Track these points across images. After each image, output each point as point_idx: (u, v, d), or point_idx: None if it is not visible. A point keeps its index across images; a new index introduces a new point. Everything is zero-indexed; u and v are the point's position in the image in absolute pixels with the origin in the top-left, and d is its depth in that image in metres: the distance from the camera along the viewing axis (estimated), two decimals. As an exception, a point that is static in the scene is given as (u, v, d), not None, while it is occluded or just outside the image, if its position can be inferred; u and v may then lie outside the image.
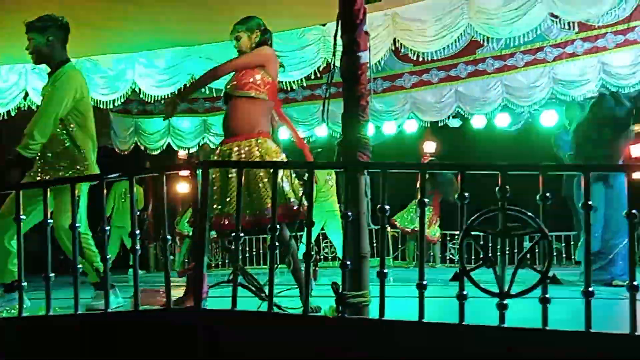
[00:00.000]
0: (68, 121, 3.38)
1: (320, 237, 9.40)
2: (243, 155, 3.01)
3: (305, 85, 6.32)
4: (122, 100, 6.64)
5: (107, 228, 2.44)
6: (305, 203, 2.92)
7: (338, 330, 2.16)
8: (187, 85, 3.32)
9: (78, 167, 3.37)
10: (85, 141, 3.42)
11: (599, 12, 4.98)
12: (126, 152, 8.34)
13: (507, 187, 2.07)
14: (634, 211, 2.01)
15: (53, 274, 2.34)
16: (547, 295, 2.03)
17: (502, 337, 2.06)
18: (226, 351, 2.16)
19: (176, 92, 3.16)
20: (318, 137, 8.62)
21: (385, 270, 2.16)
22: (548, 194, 2.10)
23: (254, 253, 9.58)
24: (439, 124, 7.97)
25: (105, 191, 2.47)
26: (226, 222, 2.92)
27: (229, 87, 3.18)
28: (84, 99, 3.47)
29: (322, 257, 9.75)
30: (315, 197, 5.85)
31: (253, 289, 2.31)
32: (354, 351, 2.13)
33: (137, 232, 2.36)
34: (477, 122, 8.42)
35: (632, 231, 2.04)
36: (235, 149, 3.05)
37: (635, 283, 1.99)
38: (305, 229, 2.25)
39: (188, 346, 2.16)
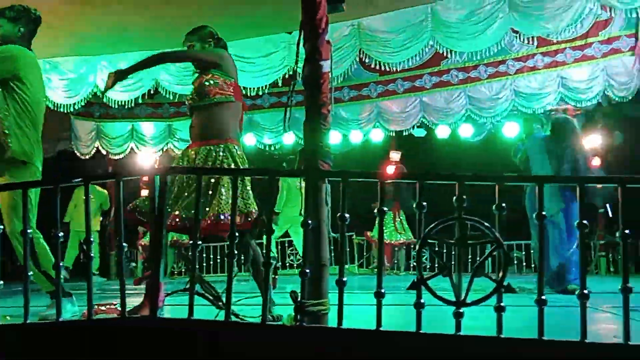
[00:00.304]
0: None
1: (286, 245, 9.37)
2: (209, 161, 2.96)
3: (270, 92, 6.32)
4: (83, 104, 6.51)
5: (61, 234, 2.37)
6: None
7: (296, 339, 2.15)
8: (132, 65, 3.23)
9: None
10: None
11: (556, 28, 5.16)
12: (88, 156, 8.16)
13: (465, 197, 2.10)
14: (584, 222, 2.07)
15: (2, 282, 2.26)
16: (502, 304, 2.06)
17: (458, 344, 2.08)
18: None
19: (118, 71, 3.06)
20: (285, 145, 8.62)
21: (345, 279, 2.16)
22: (504, 204, 2.14)
23: (212, 262, 9.44)
24: (404, 133, 8.07)
25: (58, 196, 2.40)
26: (175, 223, 2.87)
27: (190, 100, 3.13)
28: (29, 85, 3.27)
29: (287, 264, 9.72)
30: (284, 204, 5.86)
31: (210, 297, 2.27)
32: (312, 359, 2.12)
33: (92, 239, 2.30)
34: (442, 132, 8.57)
35: (584, 241, 2.10)
36: (204, 153, 3.00)
37: (586, 291, 2.04)
38: (265, 236, 2.24)
39: (142, 355, 2.11)
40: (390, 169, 8.75)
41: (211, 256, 9.33)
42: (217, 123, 3.06)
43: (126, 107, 6.76)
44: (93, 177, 2.52)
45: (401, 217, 8.99)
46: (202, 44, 3.19)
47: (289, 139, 8.29)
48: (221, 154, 2.99)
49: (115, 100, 6.40)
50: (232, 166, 2.95)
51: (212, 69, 3.09)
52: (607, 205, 8.37)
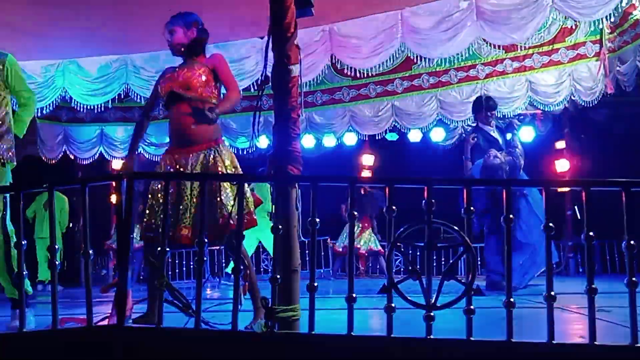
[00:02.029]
0: None
1: (260, 250, 9.30)
2: (205, 164, 2.90)
3: (244, 96, 6.28)
4: (52, 108, 6.37)
5: (25, 242, 2.30)
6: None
7: (267, 345, 2.13)
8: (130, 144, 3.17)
9: None
10: None
11: (521, 37, 5.28)
12: (54, 162, 7.97)
13: (433, 200, 2.11)
14: (550, 224, 2.10)
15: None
16: (471, 307, 2.08)
17: (429, 347, 2.09)
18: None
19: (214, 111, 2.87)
20: (258, 148, 8.57)
21: (316, 284, 2.15)
22: (472, 208, 2.16)
23: (184, 268, 9.31)
24: (377, 137, 8.12)
25: (22, 202, 2.34)
26: (184, 233, 2.82)
27: (176, 88, 2.96)
28: None
29: (262, 269, 9.65)
30: (264, 209, 5.80)
31: (179, 304, 2.24)
32: (283, 366, 2.11)
33: (57, 246, 2.25)
34: (414, 136, 8.64)
35: (549, 243, 2.14)
36: (202, 157, 2.91)
37: (552, 293, 2.08)
38: (236, 242, 2.22)
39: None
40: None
41: (184, 262, 9.20)
42: (210, 125, 2.95)
43: (95, 110, 6.63)
44: (58, 182, 2.45)
45: (371, 230, 9.01)
46: (186, 30, 3.06)
47: (263, 142, 8.26)
48: (220, 156, 2.95)
49: (83, 105, 6.28)
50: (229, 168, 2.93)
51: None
52: (576, 207, 8.55)
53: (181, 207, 2.86)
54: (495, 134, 5.47)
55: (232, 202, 2.79)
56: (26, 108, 3.37)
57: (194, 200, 2.83)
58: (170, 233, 2.78)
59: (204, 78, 2.97)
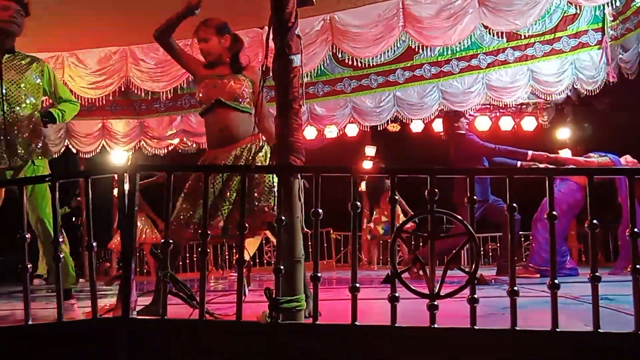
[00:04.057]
0: None
1: (263, 242, 9.32)
2: (244, 157, 2.94)
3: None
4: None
5: (28, 236, 2.31)
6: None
7: (271, 335, 2.13)
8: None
9: None
10: None
11: (524, 23, 5.24)
12: (57, 155, 7.96)
13: (436, 190, 2.11)
14: (554, 212, 2.10)
15: None
16: (475, 296, 2.09)
17: (433, 337, 2.09)
18: (155, 361, 2.09)
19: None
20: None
21: (319, 274, 2.16)
22: (475, 197, 2.16)
23: (187, 260, 9.35)
24: (379, 128, 8.10)
25: (24, 196, 2.34)
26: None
27: (224, 97, 3.01)
28: None
29: (265, 262, 9.69)
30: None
31: (184, 296, 2.25)
32: (288, 356, 2.11)
33: (60, 239, 2.25)
34: (415, 126, 8.62)
35: (553, 232, 2.13)
36: (234, 153, 2.96)
37: (556, 281, 2.08)
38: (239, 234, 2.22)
39: (114, 357, 2.07)
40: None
41: (186, 254, 9.24)
42: (247, 126, 3.01)
43: (96, 104, 6.63)
44: (61, 176, 2.46)
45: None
46: (220, 38, 3.09)
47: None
48: (256, 148, 3.00)
49: (85, 98, 6.26)
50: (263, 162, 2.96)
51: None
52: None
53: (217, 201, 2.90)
54: None
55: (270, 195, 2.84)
56: (72, 107, 3.47)
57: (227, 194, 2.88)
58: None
59: (248, 90, 3.06)
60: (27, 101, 3.18)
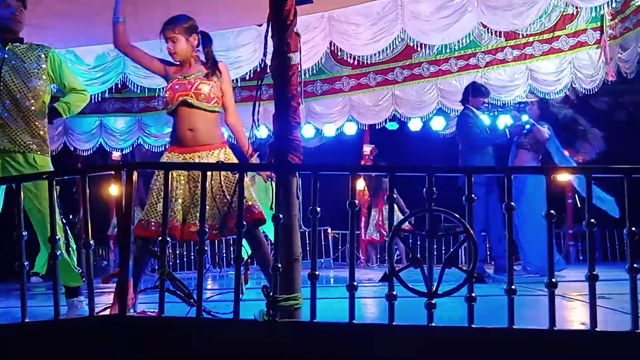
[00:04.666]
0: None
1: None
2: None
3: (242, 85, 6.25)
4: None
5: (25, 233, 2.30)
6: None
7: (269, 334, 2.13)
8: None
9: None
10: None
11: (523, 23, 5.25)
12: (54, 153, 7.95)
13: (434, 188, 2.11)
14: (552, 211, 2.10)
15: None
16: (472, 294, 2.08)
17: (431, 335, 2.09)
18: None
19: None
20: (258, 138, 8.55)
21: (317, 272, 2.15)
22: (474, 196, 2.16)
23: (185, 259, 9.31)
24: (377, 127, 8.10)
25: (22, 194, 2.33)
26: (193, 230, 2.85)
27: (190, 97, 2.98)
28: None
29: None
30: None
31: (181, 294, 2.24)
32: (285, 354, 2.11)
33: (59, 237, 2.25)
34: (414, 125, 8.62)
35: (551, 232, 2.13)
36: (205, 158, 2.97)
37: (554, 280, 2.07)
38: (236, 231, 2.21)
39: (111, 355, 2.07)
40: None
41: (184, 253, 9.22)
42: (216, 128, 3.07)
43: (94, 101, 6.61)
44: (58, 173, 2.45)
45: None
46: (189, 37, 3.05)
47: (263, 132, 8.24)
48: (223, 157, 3.02)
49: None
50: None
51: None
52: (576, 195, 8.55)
53: (191, 203, 2.92)
54: (483, 121, 5.55)
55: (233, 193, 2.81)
56: (79, 97, 3.37)
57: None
58: (179, 229, 2.85)
59: (216, 91, 3.04)
60: (30, 86, 3.14)
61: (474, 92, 5.37)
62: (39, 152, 3.17)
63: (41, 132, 3.18)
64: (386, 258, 2.46)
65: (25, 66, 3.16)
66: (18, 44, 3.21)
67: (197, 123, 2.98)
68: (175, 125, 3.06)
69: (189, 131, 2.98)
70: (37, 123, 3.16)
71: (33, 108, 3.15)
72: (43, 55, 3.24)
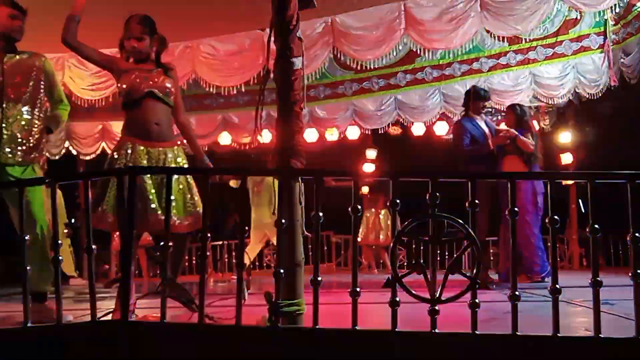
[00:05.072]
0: None
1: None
2: (171, 162, 2.97)
3: (244, 90, 6.23)
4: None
5: (27, 237, 2.30)
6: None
7: (271, 340, 2.12)
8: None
9: None
10: None
11: (526, 29, 5.24)
12: (57, 157, 7.97)
13: (438, 194, 2.10)
14: (555, 217, 2.09)
15: None
16: (476, 300, 2.07)
17: (434, 342, 2.08)
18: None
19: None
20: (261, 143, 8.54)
21: (320, 278, 2.14)
22: (477, 201, 2.15)
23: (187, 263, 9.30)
24: (380, 131, 8.09)
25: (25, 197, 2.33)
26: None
27: (156, 90, 3.03)
28: None
29: (264, 265, 9.67)
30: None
31: (183, 300, 2.23)
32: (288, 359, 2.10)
33: (60, 241, 2.25)
34: (417, 129, 8.60)
35: (555, 236, 2.12)
36: (170, 155, 3.00)
37: (557, 286, 2.06)
38: (239, 238, 2.21)
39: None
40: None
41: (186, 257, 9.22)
42: (171, 124, 3.15)
43: (97, 106, 6.62)
44: (61, 177, 2.45)
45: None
46: (151, 39, 3.13)
47: (266, 137, 8.24)
48: (180, 156, 3.06)
49: (85, 99, 6.27)
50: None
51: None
52: (580, 200, 8.52)
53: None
54: (482, 125, 5.44)
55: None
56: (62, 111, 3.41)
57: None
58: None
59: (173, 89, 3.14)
60: (26, 97, 3.17)
61: (474, 96, 5.34)
62: (35, 163, 3.21)
63: (34, 149, 3.22)
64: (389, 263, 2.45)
65: (25, 77, 3.20)
66: (13, 54, 3.24)
67: (162, 117, 3.07)
68: (138, 118, 3.06)
69: (155, 125, 3.02)
70: (34, 138, 3.20)
71: (29, 117, 3.17)
72: (38, 64, 3.28)
